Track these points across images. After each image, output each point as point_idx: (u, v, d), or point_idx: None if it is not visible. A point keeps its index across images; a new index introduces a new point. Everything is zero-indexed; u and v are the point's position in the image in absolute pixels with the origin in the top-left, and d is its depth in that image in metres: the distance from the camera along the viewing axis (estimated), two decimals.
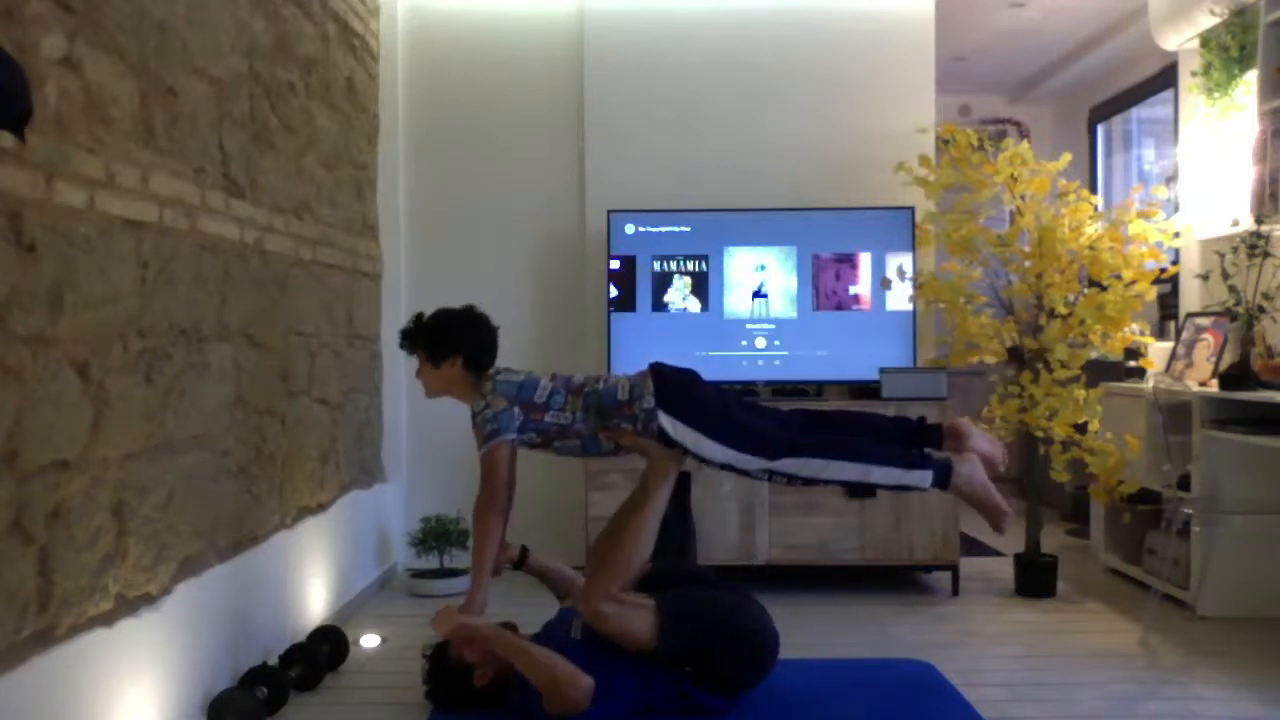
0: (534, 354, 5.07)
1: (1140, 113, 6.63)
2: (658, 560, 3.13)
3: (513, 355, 5.03)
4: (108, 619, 2.43)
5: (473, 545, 3.06)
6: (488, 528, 3.00)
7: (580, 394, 3.07)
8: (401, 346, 3.28)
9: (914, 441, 3.12)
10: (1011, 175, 4.48)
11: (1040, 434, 4.45)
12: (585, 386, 3.08)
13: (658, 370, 3.09)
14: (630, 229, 4.78)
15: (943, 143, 4.64)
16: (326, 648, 3.46)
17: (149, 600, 2.61)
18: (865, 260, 4.78)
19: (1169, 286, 5.12)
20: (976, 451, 3.06)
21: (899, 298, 4.72)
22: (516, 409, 3.03)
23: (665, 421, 2.98)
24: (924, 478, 2.95)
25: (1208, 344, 4.36)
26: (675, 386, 3.04)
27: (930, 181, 4.58)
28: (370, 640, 3.79)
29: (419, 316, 3.23)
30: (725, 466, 3.03)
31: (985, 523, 3.04)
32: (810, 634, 3.89)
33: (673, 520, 4.39)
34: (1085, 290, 4.48)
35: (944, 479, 2.96)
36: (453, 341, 3.14)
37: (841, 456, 2.94)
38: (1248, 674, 3.43)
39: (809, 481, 3.02)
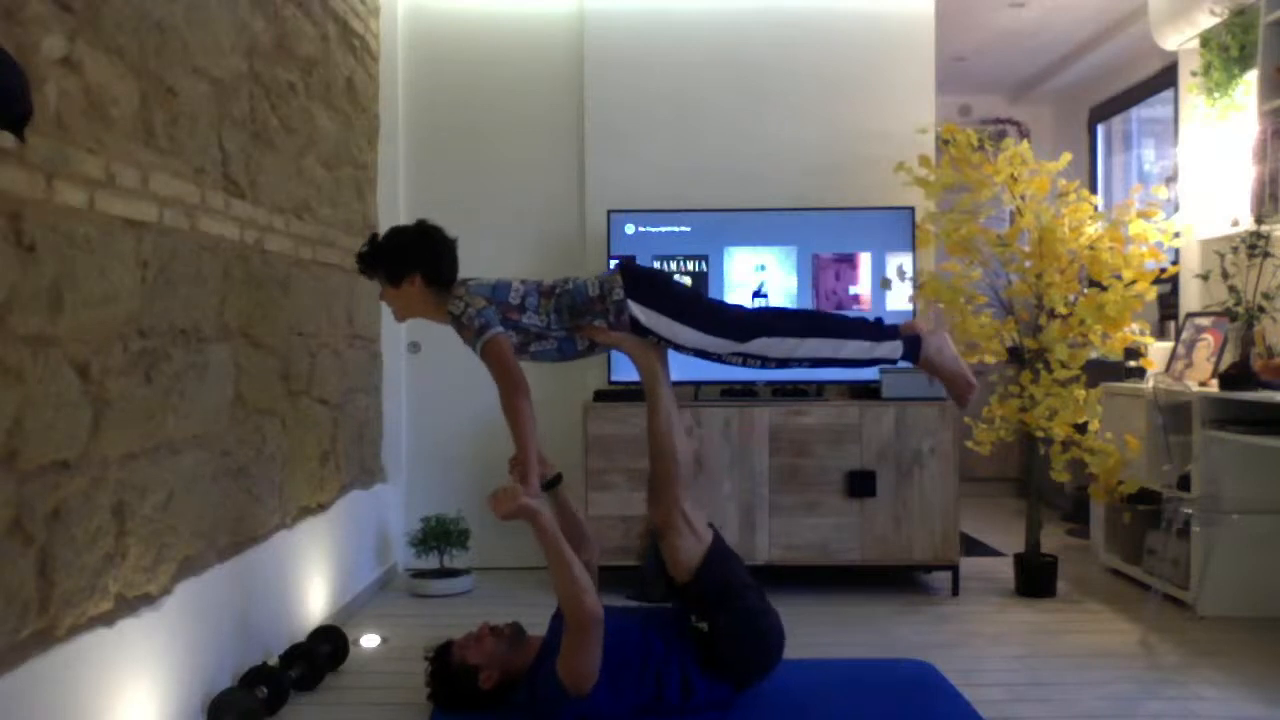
0: None
1: (1140, 113, 6.63)
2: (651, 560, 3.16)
3: None
4: (108, 619, 2.43)
5: (511, 429, 2.93)
6: (521, 412, 2.91)
7: (552, 295, 3.06)
8: (361, 271, 3.16)
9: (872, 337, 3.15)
10: (1011, 175, 4.48)
11: (1040, 434, 4.45)
12: (556, 288, 3.06)
13: (627, 265, 3.13)
14: (630, 229, 4.78)
15: (943, 143, 4.64)
16: (326, 648, 3.46)
17: (149, 600, 2.61)
18: (865, 260, 4.78)
19: (1169, 286, 5.12)
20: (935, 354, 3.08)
21: (899, 298, 4.72)
22: (494, 308, 3.00)
23: (637, 310, 3.00)
24: (894, 348, 3.00)
25: (1208, 344, 4.36)
26: (645, 278, 3.07)
27: (930, 181, 4.58)
28: (370, 640, 3.79)
29: (374, 237, 3.14)
30: (698, 352, 3.03)
31: (950, 394, 3.09)
32: (810, 634, 3.89)
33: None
34: (1085, 290, 4.48)
35: (914, 350, 3.00)
36: (410, 258, 3.05)
37: (812, 333, 3.00)
38: (1248, 674, 3.43)
39: (782, 363, 3.03)
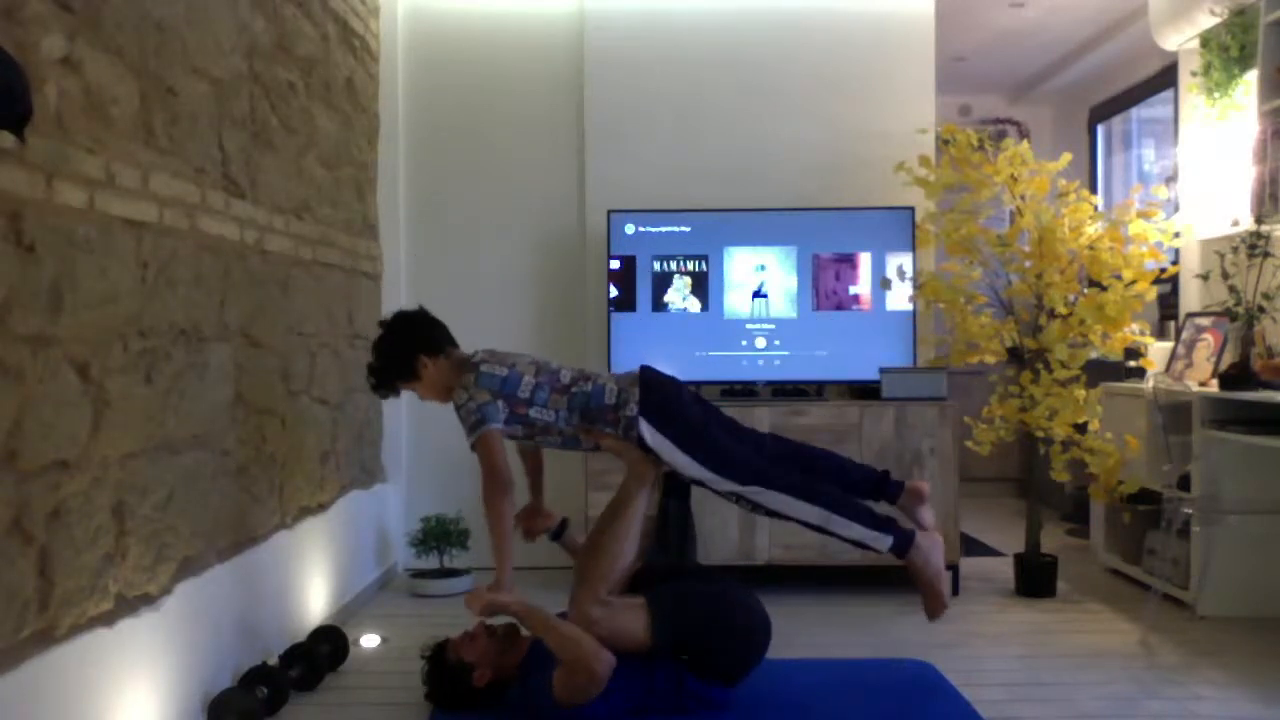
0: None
1: (1140, 113, 6.63)
2: (651, 559, 3.16)
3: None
4: (108, 619, 2.43)
5: (490, 530, 3.00)
6: (500, 512, 2.97)
7: (566, 393, 3.08)
8: (384, 396, 3.26)
9: (875, 492, 3.20)
10: (1011, 175, 4.48)
11: (1040, 434, 4.44)
12: (573, 387, 3.09)
13: (645, 377, 3.11)
14: (630, 229, 4.78)
15: (943, 143, 4.64)
16: (326, 648, 3.46)
17: (149, 600, 2.61)
18: (865, 260, 4.78)
19: (1169, 286, 5.12)
20: (920, 521, 3.14)
21: (899, 298, 4.72)
22: (500, 402, 3.02)
23: (646, 430, 3.02)
24: (883, 541, 3.02)
25: (1208, 344, 4.36)
26: (660, 396, 3.07)
27: (930, 181, 4.58)
28: (370, 640, 3.79)
29: (368, 367, 3.20)
30: (696, 481, 3.09)
31: (921, 606, 3.10)
32: (810, 634, 3.89)
33: (672, 520, 4.41)
34: (1085, 290, 4.48)
35: (903, 548, 3.02)
36: (403, 352, 3.12)
37: (808, 499, 3.01)
38: (1248, 674, 3.43)
39: (771, 513, 3.06)
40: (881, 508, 3.15)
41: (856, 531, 3.01)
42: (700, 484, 3.08)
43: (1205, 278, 4.44)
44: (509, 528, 3.00)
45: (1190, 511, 3.97)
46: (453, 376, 3.11)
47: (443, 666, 3.05)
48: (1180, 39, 4.84)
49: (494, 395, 3.02)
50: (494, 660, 3.01)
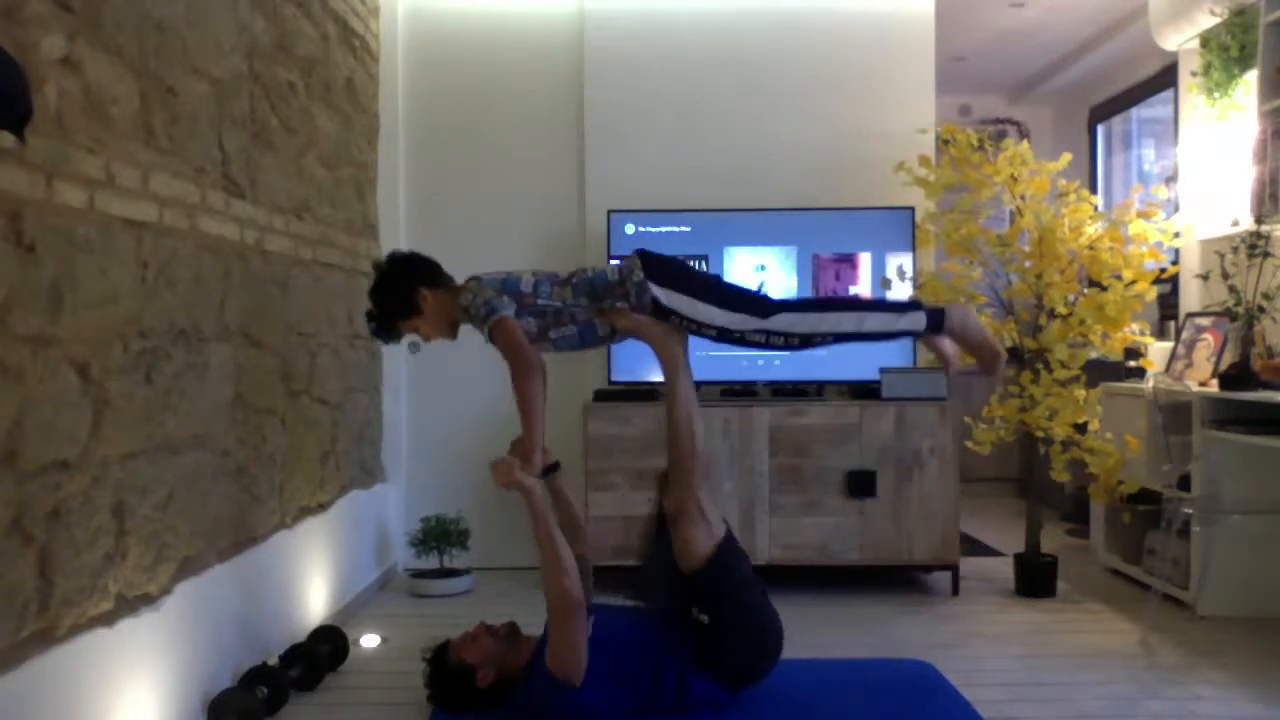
0: None
1: (1140, 113, 6.63)
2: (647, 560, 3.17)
3: None
4: (108, 619, 2.43)
5: (521, 410, 2.91)
6: (532, 395, 2.90)
7: (568, 284, 3.06)
8: (381, 334, 3.17)
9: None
10: (1011, 175, 4.48)
11: (1040, 434, 4.45)
12: (573, 277, 3.07)
13: (644, 252, 3.10)
14: (630, 229, 4.78)
15: (943, 143, 4.64)
16: (326, 648, 3.46)
17: (149, 600, 2.61)
18: (865, 260, 4.78)
19: (1169, 286, 5.12)
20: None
21: (899, 298, 4.72)
22: (506, 297, 3.00)
23: (658, 291, 2.99)
24: (918, 319, 2.98)
25: (1208, 344, 4.36)
26: (661, 262, 3.06)
27: (930, 181, 4.58)
28: (370, 640, 3.79)
29: (368, 313, 3.15)
30: (721, 331, 3.00)
31: (979, 363, 3.04)
32: (810, 634, 3.89)
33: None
34: (1085, 290, 4.48)
35: (938, 322, 2.98)
36: (402, 283, 3.08)
37: (833, 307, 3.00)
38: (1248, 674, 3.43)
39: (807, 338, 2.99)
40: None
41: (891, 321, 2.97)
42: (725, 333, 2.99)
43: (1205, 278, 4.44)
44: (541, 408, 2.93)
45: (1190, 511, 3.97)
46: (453, 304, 3.07)
47: (445, 668, 3.04)
48: (1180, 39, 4.84)
49: (498, 292, 3.01)
50: (497, 661, 3.00)
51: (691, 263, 4.70)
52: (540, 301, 3.03)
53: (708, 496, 3.06)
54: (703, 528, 2.98)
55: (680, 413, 3.03)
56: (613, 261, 3.09)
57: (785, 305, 3.00)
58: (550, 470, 3.21)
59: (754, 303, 3.00)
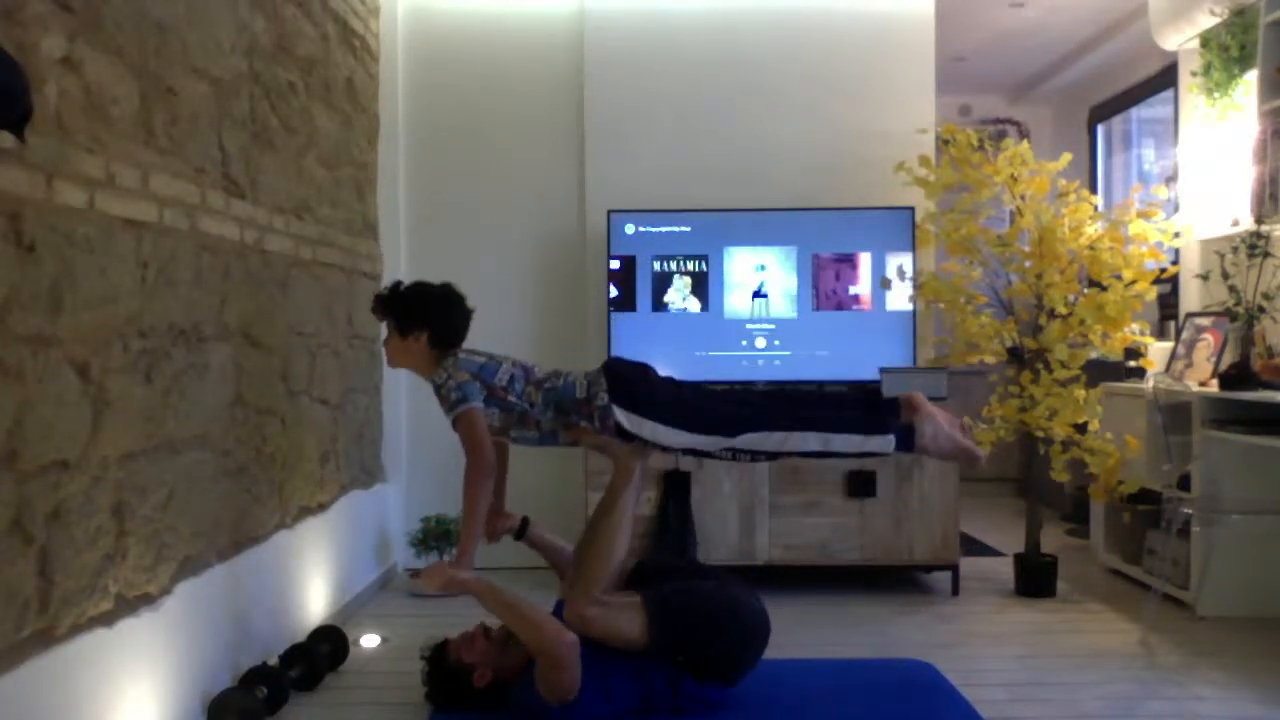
0: (534, 354, 5.04)
1: (1140, 113, 6.63)
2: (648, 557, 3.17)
3: (513, 355, 5.06)
4: (108, 619, 2.43)
5: (464, 507, 3.02)
6: (477, 489, 2.98)
7: (540, 388, 3.08)
8: (373, 311, 3.22)
9: (872, 423, 3.09)
10: (1011, 175, 4.48)
11: (1040, 434, 4.44)
12: (546, 382, 3.09)
13: (610, 366, 3.12)
14: (630, 229, 4.78)
15: (943, 143, 4.64)
16: (326, 648, 3.46)
17: (149, 600, 2.61)
18: (865, 260, 4.78)
19: (1169, 286, 5.12)
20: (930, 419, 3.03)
21: (899, 298, 4.72)
22: (478, 384, 3.02)
23: (621, 416, 3.00)
24: (886, 442, 2.96)
25: (1208, 344, 4.36)
26: (627, 381, 3.06)
27: (930, 181, 4.58)
28: (370, 640, 3.79)
29: (397, 285, 3.20)
30: (688, 451, 3.04)
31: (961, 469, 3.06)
32: (810, 634, 3.89)
33: (672, 521, 4.42)
34: (1085, 290, 4.48)
35: (908, 441, 2.97)
36: (423, 316, 3.11)
37: (800, 427, 2.96)
38: (1248, 674, 3.43)
39: (773, 455, 3.02)
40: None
41: (859, 443, 2.97)
42: (692, 452, 3.05)
43: (1205, 278, 4.44)
44: (482, 509, 3.01)
45: (1190, 511, 3.97)
46: (428, 363, 3.11)
47: (443, 667, 3.04)
48: (1180, 39, 4.84)
49: (473, 377, 3.03)
50: (494, 661, 3.00)
51: (684, 276, 4.71)
52: (511, 399, 3.06)
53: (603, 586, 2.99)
54: (618, 613, 2.93)
55: (610, 524, 3.03)
56: (583, 374, 3.10)
57: (750, 422, 2.97)
58: (522, 531, 3.28)
59: (721, 421, 2.99)
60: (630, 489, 3.07)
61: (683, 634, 2.94)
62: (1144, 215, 4.46)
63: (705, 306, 4.78)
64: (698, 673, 2.95)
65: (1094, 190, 6.79)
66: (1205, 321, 4.44)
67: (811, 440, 2.96)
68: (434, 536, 4.63)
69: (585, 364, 4.92)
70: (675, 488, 4.39)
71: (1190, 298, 4.82)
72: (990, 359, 4.63)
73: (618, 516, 3.04)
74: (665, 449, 3.06)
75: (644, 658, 2.93)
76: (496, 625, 3.09)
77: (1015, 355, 4.56)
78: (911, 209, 4.76)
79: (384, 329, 3.22)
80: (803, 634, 3.84)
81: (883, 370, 4.51)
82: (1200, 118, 4.75)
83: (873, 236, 4.77)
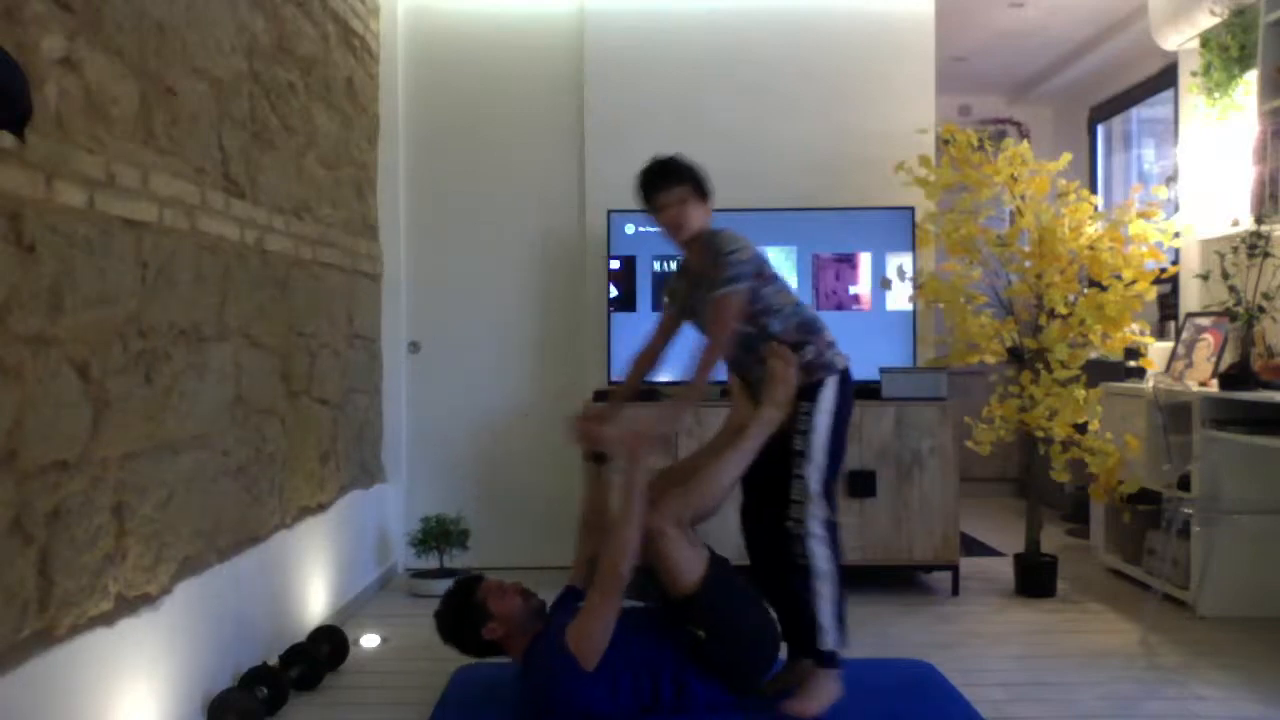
0: (534, 354, 5.08)
1: (1140, 113, 6.62)
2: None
3: (513, 355, 5.08)
4: (108, 619, 2.43)
5: (694, 378, 2.94)
6: (709, 371, 2.95)
7: (794, 302, 3.10)
8: (662, 185, 3.19)
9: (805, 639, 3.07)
10: (1011, 175, 4.48)
11: (1040, 434, 4.44)
12: (800, 304, 3.12)
13: (845, 372, 3.07)
14: (630, 229, 4.78)
15: (943, 143, 4.64)
16: (326, 648, 3.47)
17: (149, 600, 2.61)
18: (865, 260, 4.78)
19: (1169, 286, 5.12)
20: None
21: (899, 298, 4.72)
22: (753, 269, 3.04)
23: (829, 392, 2.98)
24: (834, 638, 2.96)
25: (1208, 344, 4.36)
26: (848, 393, 3.04)
27: (930, 181, 4.58)
28: (370, 640, 3.79)
29: (669, 158, 3.26)
30: (803, 475, 2.96)
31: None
32: None
33: None
34: (1085, 290, 4.48)
35: (835, 661, 2.97)
36: (702, 177, 3.17)
37: (837, 559, 3.01)
38: (1248, 674, 3.43)
39: (831, 560, 2.98)
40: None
41: (831, 607, 2.95)
42: (799, 479, 2.95)
43: (1205, 278, 4.44)
44: (706, 381, 2.97)
45: (1190, 511, 3.97)
46: (706, 220, 3.15)
47: (465, 601, 3.03)
48: (1180, 39, 4.84)
49: (755, 259, 3.05)
50: (513, 622, 2.98)
51: None
52: (764, 290, 3.05)
53: (690, 529, 2.99)
54: (689, 550, 2.93)
55: (735, 457, 2.99)
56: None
57: (833, 534, 2.99)
58: (603, 457, 3.24)
59: (832, 498, 3.02)
60: (762, 438, 2.99)
61: (722, 608, 2.93)
62: (1144, 215, 4.46)
63: None
64: (706, 659, 2.94)
65: (1094, 190, 6.79)
66: (1205, 321, 4.44)
67: (826, 565, 2.96)
68: (434, 536, 4.63)
69: (585, 363, 4.94)
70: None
71: (1190, 298, 4.82)
72: (990, 359, 4.63)
73: (740, 455, 2.99)
74: (791, 455, 2.97)
75: (658, 648, 2.93)
76: (537, 598, 3.07)
77: (1015, 355, 4.56)
78: (911, 209, 4.76)
79: (670, 201, 3.18)
80: None
81: (883, 370, 4.51)
82: (1200, 118, 4.75)
83: (873, 236, 4.77)
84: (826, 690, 2.95)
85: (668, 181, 3.17)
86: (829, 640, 2.95)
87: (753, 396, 3.11)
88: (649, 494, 2.93)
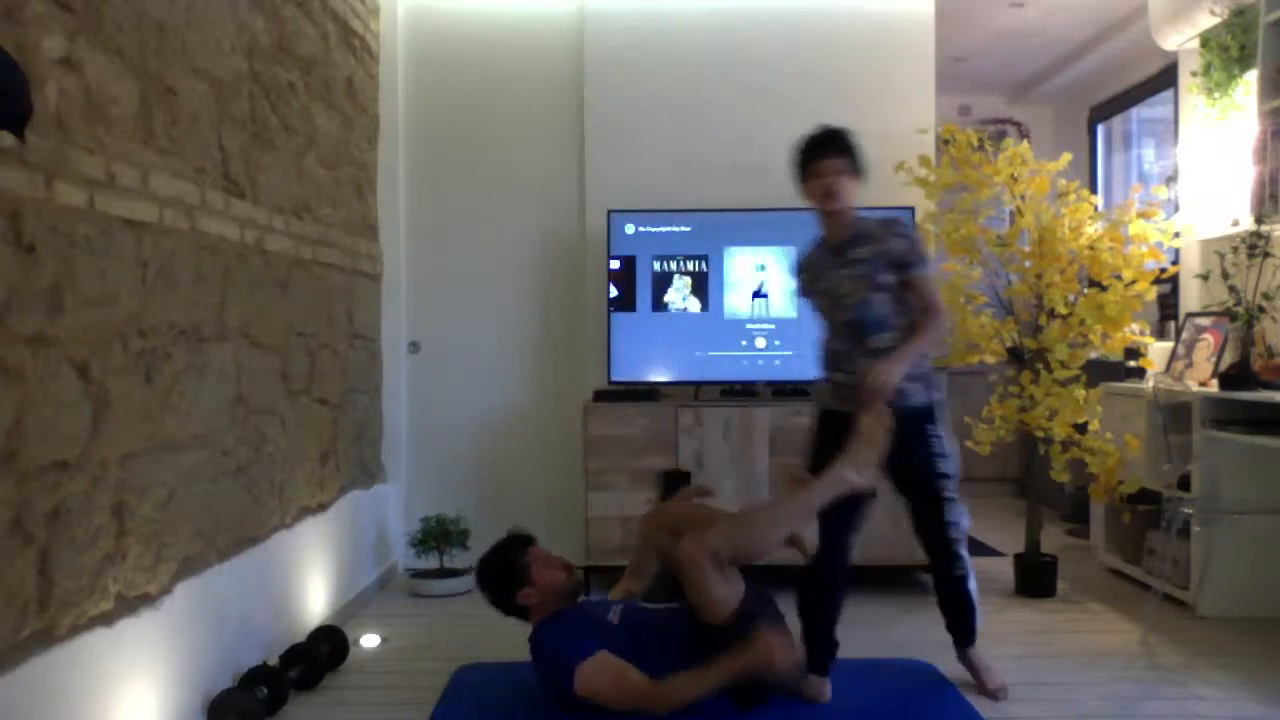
0: (534, 354, 5.08)
1: (1140, 113, 6.63)
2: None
3: (513, 355, 5.08)
4: (108, 619, 2.43)
5: (911, 347, 3.15)
6: (926, 343, 3.20)
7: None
8: (828, 152, 3.25)
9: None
10: (1011, 175, 4.48)
11: (1040, 434, 4.44)
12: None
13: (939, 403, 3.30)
14: (630, 229, 4.78)
15: (943, 143, 4.64)
16: (326, 648, 3.47)
17: (149, 600, 2.61)
18: None
19: (1169, 286, 5.12)
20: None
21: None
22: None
23: (942, 414, 3.23)
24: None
25: (1208, 344, 4.36)
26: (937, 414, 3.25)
27: (930, 181, 4.58)
28: (370, 640, 3.79)
29: (839, 129, 3.28)
30: (948, 499, 3.23)
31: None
32: None
33: None
34: (1085, 290, 4.48)
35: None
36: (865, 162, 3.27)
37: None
38: (1248, 674, 3.43)
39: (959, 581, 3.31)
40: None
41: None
42: (949, 500, 3.23)
43: (1205, 278, 4.44)
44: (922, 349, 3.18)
45: (1190, 511, 3.97)
46: (854, 199, 3.31)
47: (510, 559, 3.09)
48: (1180, 39, 4.84)
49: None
50: (549, 595, 3.05)
51: (684, 276, 4.75)
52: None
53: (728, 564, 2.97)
54: (724, 583, 2.90)
55: (791, 513, 3.06)
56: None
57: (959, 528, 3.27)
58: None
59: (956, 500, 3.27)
60: (827, 499, 3.04)
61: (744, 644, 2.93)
62: (1144, 215, 4.46)
63: (705, 306, 4.78)
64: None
65: (1094, 190, 6.79)
66: (1205, 321, 4.44)
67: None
68: (434, 536, 4.63)
69: (585, 363, 4.94)
70: (674, 487, 4.38)
71: (1190, 298, 4.82)
72: (990, 359, 4.63)
73: (795, 513, 3.04)
74: (946, 478, 3.22)
75: (661, 658, 2.92)
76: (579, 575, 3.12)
77: (1015, 355, 4.56)
78: (911, 209, 4.76)
79: (829, 169, 3.24)
80: None
81: None
82: (1200, 118, 4.75)
83: None
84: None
85: (834, 149, 3.26)
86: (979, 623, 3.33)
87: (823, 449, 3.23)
88: (696, 518, 3.02)
